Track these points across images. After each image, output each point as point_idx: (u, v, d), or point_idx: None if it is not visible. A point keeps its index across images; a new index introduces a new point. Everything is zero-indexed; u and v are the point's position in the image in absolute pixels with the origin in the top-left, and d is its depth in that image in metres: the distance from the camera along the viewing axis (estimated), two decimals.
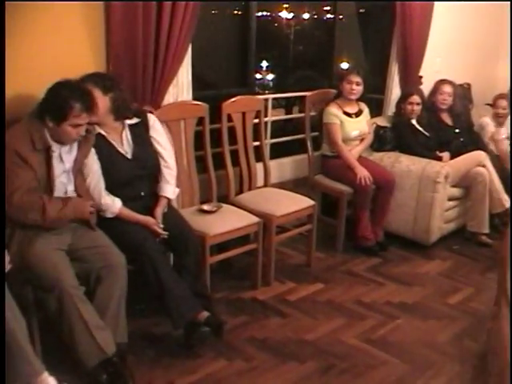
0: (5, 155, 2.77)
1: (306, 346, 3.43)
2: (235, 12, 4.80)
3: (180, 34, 3.60)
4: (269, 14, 6.18)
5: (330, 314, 3.79)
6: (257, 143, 4.47)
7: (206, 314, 3.25)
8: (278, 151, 5.10)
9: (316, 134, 4.93)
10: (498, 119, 5.70)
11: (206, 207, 3.85)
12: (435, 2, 5.46)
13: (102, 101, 3.15)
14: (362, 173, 4.53)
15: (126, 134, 3.33)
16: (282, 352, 3.35)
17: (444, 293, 4.19)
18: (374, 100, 5.48)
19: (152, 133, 3.44)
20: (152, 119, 3.46)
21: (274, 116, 5.13)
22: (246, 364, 3.21)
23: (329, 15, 6.01)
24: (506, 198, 5.26)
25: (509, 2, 5.85)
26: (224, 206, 3.94)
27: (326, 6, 5.64)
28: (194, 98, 4.00)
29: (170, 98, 3.79)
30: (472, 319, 3.86)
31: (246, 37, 4.68)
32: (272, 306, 3.85)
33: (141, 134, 3.38)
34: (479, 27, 6.22)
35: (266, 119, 4.77)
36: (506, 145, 5.55)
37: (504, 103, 5.63)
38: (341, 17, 5.98)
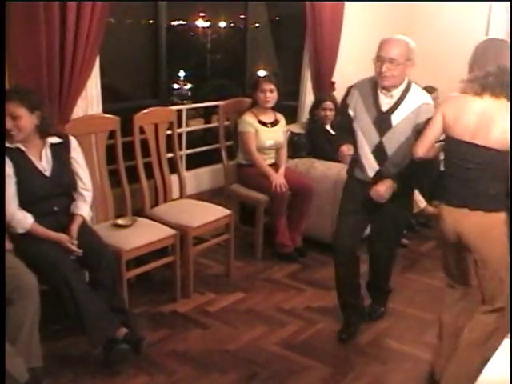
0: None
1: (228, 356, 3.41)
2: (150, 21, 4.73)
3: (87, 44, 3.50)
4: (185, 23, 6.13)
5: (251, 323, 3.79)
6: (172, 155, 4.43)
7: (124, 330, 3.20)
8: (197, 161, 5.07)
9: (231, 143, 4.93)
10: None
11: (120, 221, 3.79)
12: (345, 10, 5.57)
13: (29, 120, 3.12)
14: (277, 180, 4.56)
15: (46, 152, 3.28)
16: (204, 364, 3.32)
17: (363, 294, 4.24)
18: (288, 107, 5.52)
19: (73, 154, 3.41)
20: (74, 141, 3.44)
21: (192, 126, 5.10)
22: (168, 378, 3.17)
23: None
24: (421, 199, 5.39)
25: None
26: (139, 219, 3.88)
27: (242, 14, 5.64)
28: (106, 111, 3.92)
29: (79, 111, 3.69)
30: (392, 319, 3.96)
31: (157, 47, 4.63)
32: (192, 318, 3.82)
33: (61, 153, 3.34)
34: (389, 34, 6.38)
35: (180, 130, 4.73)
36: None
37: None
38: (257, 25, 6.01)
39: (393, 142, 3.41)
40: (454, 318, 3.16)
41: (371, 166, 3.50)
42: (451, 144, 2.90)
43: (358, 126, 3.51)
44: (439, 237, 3.20)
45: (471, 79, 2.85)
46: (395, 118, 3.39)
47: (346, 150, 3.56)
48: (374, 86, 3.45)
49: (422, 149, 3.01)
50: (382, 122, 3.41)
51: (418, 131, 3.22)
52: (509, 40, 5.33)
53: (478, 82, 2.80)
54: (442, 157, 5.22)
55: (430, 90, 6.29)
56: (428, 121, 3.11)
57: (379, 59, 3.29)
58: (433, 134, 2.97)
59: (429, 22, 6.61)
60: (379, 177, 3.46)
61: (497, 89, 2.75)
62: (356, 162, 3.58)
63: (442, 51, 6.34)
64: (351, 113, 3.54)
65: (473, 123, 2.78)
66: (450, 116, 2.86)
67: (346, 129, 3.63)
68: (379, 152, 3.46)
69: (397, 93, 3.37)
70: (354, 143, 3.55)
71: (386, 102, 3.40)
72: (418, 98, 3.38)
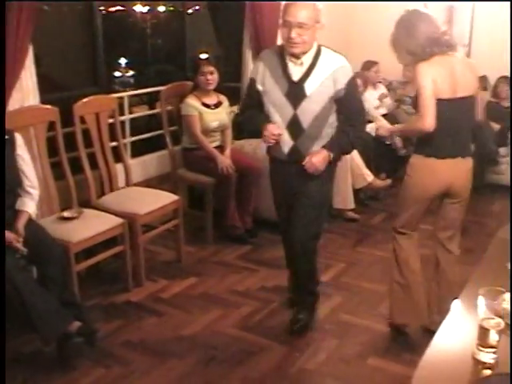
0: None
1: (185, 342, 3.40)
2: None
3: (17, 32, 3.37)
4: (123, 8, 6.00)
5: (206, 307, 3.79)
6: (116, 143, 4.36)
7: (77, 324, 3.14)
8: (143, 149, 5.01)
9: (176, 128, 4.88)
10: None
11: (66, 214, 3.71)
12: None
13: None
14: (223, 163, 4.54)
15: None
16: (161, 351, 3.30)
17: None
18: (231, 88, 5.49)
19: (19, 151, 3.31)
20: (19, 138, 3.34)
21: (136, 113, 5.03)
22: (125, 369, 3.14)
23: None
24: (367, 172, 5.46)
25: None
26: (85, 210, 3.81)
27: None
28: (44, 102, 3.81)
29: (14, 103, 3.57)
30: (346, 293, 4.00)
31: (93, 33, 4.52)
32: (146, 307, 3.79)
33: (8, 151, 3.22)
34: (332, 9, 6.41)
35: (123, 118, 4.66)
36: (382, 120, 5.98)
37: (358, 81, 5.83)
38: (196, 8, 5.95)
39: (308, 114, 3.20)
40: (418, 260, 3.44)
41: (286, 142, 3.30)
42: (441, 105, 3.02)
43: (268, 101, 3.28)
44: (409, 195, 3.32)
45: (424, 45, 3.06)
46: (309, 87, 3.16)
47: (275, 129, 3.20)
48: (281, 55, 3.22)
49: (432, 119, 2.98)
50: (295, 92, 3.18)
51: (342, 99, 3.15)
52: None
53: (434, 46, 3.06)
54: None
55: (369, 64, 6.39)
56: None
57: (286, 24, 3.06)
58: (432, 101, 2.99)
59: None
60: (296, 154, 3.28)
61: (448, 47, 3.10)
62: None
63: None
64: (260, 88, 3.29)
65: (451, 80, 3.03)
66: (436, 80, 3.00)
67: (255, 107, 3.36)
68: (294, 126, 3.25)
69: (307, 59, 3.15)
70: (267, 120, 3.28)
71: (296, 71, 3.17)
72: (331, 62, 3.16)
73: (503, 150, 6.26)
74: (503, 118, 6.33)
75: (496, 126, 6.33)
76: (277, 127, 3.21)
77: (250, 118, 3.47)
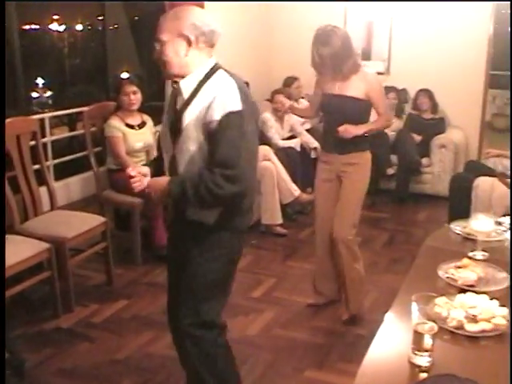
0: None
1: (118, 366, 3.33)
2: None
3: None
4: (38, 26, 5.86)
5: (138, 329, 3.72)
6: (38, 166, 4.24)
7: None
8: (66, 171, 4.89)
9: (100, 149, 4.80)
10: (277, 113, 5.97)
11: None
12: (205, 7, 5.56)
13: None
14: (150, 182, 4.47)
15: None
16: (95, 377, 3.23)
17: (247, 287, 4.28)
18: (155, 107, 5.45)
19: None
20: None
21: (56, 134, 4.92)
22: None
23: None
24: (294, 187, 5.53)
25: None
26: (9, 236, 3.68)
27: (99, 16, 5.47)
28: None
29: None
30: (278, 308, 4.01)
31: (11, 53, 4.40)
32: (77, 332, 3.69)
33: None
34: (252, 28, 6.50)
35: (45, 139, 4.55)
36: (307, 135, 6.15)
37: (281, 98, 5.90)
38: (116, 26, 5.88)
39: (183, 152, 2.44)
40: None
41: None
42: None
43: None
44: (362, 193, 3.78)
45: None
46: (187, 118, 2.40)
47: (131, 170, 2.47)
48: None
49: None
50: (175, 125, 2.46)
51: (211, 136, 2.32)
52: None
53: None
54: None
55: (291, 80, 6.49)
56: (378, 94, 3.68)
57: None
58: None
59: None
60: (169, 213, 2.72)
61: None
62: None
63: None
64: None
65: None
66: None
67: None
68: (172, 170, 2.51)
69: (187, 84, 2.41)
70: None
71: (180, 98, 2.44)
72: (212, 90, 2.37)
73: (425, 161, 6.45)
74: (424, 130, 6.55)
75: (418, 138, 6.53)
76: (133, 168, 2.50)
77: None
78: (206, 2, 5.59)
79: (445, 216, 5.11)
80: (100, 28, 5.61)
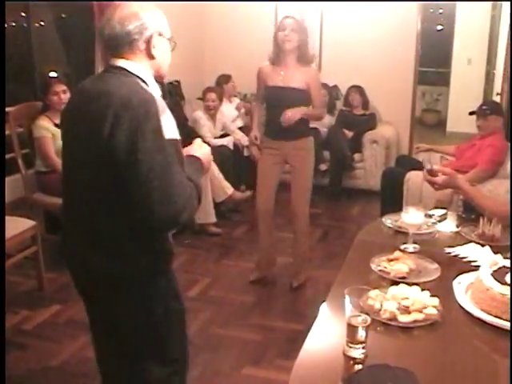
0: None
1: (52, 373, 3.27)
2: None
3: None
4: None
5: (73, 334, 3.64)
6: None
7: None
8: None
9: (27, 150, 4.67)
10: (209, 111, 5.95)
11: None
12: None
13: None
14: None
15: None
16: None
17: (183, 287, 4.15)
18: None
19: None
20: None
21: None
22: None
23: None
24: (227, 185, 5.51)
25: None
26: None
27: (23, 12, 5.31)
28: None
29: None
30: (214, 307, 4.00)
31: None
32: (8, 340, 3.54)
33: None
34: (183, 26, 6.46)
35: None
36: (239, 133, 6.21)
37: (213, 96, 5.89)
38: (42, 23, 5.72)
39: None
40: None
41: None
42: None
43: None
44: (311, 174, 4.27)
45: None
46: None
47: None
48: None
49: None
50: None
51: None
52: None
53: None
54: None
55: (224, 78, 6.48)
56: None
57: None
58: None
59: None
60: None
61: None
62: None
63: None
64: None
65: None
66: None
67: None
68: None
69: None
70: None
71: None
72: None
73: (357, 156, 6.55)
74: (356, 125, 6.65)
75: (349, 133, 6.62)
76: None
77: None
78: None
79: (378, 210, 5.21)
80: (25, 25, 5.46)
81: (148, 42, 2.02)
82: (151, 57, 2.04)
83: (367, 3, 6.81)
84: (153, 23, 2.03)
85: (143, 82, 2.00)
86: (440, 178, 2.65)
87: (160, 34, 2.06)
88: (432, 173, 2.69)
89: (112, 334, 2.15)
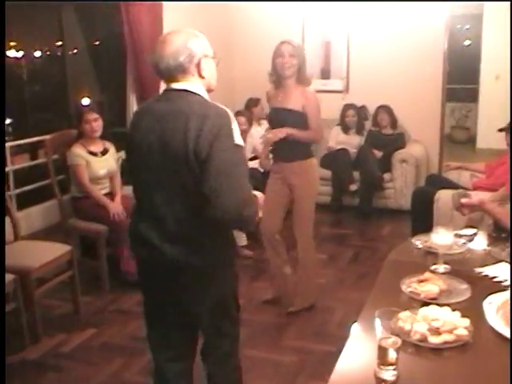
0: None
1: None
2: None
3: None
4: None
5: (108, 357, 3.69)
6: None
7: None
8: (28, 200, 4.84)
9: (63, 177, 4.78)
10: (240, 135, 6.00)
11: None
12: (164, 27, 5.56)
13: None
14: (114, 209, 4.52)
15: None
16: None
17: None
18: (117, 134, 5.44)
19: None
20: None
21: (18, 163, 4.88)
22: None
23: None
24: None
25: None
26: None
27: (58, 41, 5.44)
28: None
29: None
30: (246, 328, 3.96)
31: None
32: (45, 363, 3.65)
33: None
34: (213, 49, 6.57)
35: (7, 169, 4.52)
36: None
37: (242, 119, 5.95)
38: (75, 51, 5.86)
39: None
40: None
41: None
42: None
43: None
44: (314, 199, 4.22)
45: None
46: None
47: None
48: None
49: None
50: None
51: None
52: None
53: None
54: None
55: (253, 102, 6.54)
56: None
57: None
58: None
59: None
60: None
61: None
62: None
63: None
64: None
65: None
66: None
67: None
68: None
69: None
70: None
71: None
72: None
73: (387, 176, 6.55)
74: (385, 145, 6.66)
75: (379, 153, 6.63)
76: None
77: None
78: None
79: (409, 230, 5.19)
80: (59, 54, 5.59)
81: (198, 66, 2.36)
82: (202, 77, 2.39)
83: (393, 23, 6.83)
84: (198, 49, 2.36)
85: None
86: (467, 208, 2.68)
87: (206, 56, 2.39)
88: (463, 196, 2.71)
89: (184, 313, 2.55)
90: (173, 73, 2.34)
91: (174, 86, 2.36)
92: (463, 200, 2.83)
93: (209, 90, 2.46)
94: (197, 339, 2.72)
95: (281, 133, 3.97)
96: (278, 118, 4.08)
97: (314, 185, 4.23)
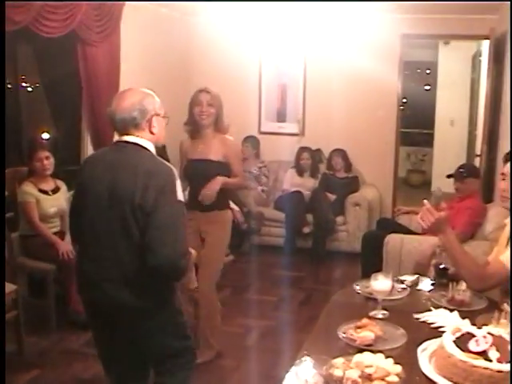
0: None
1: None
2: None
3: None
4: None
5: None
6: None
7: None
8: None
9: (12, 214, 4.73)
10: None
11: None
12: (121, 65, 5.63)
13: None
14: (64, 248, 4.48)
15: None
16: None
17: None
18: (70, 172, 5.39)
19: None
20: None
21: None
22: None
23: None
24: None
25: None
26: None
27: (12, 75, 5.40)
28: None
29: None
30: None
31: None
32: None
33: None
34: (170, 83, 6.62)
35: None
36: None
37: None
38: (31, 87, 5.83)
39: None
40: None
41: None
42: None
43: None
44: (224, 248, 4.25)
45: None
46: None
47: None
48: None
49: None
50: None
51: None
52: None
53: None
54: None
55: None
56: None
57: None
58: None
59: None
60: None
61: None
62: None
63: None
64: None
65: None
66: None
67: None
68: None
69: None
70: None
71: None
72: None
73: (340, 219, 6.62)
74: (338, 189, 6.75)
75: (332, 197, 6.71)
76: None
77: None
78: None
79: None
80: (11, 88, 5.55)
81: (149, 122, 2.60)
82: (152, 133, 2.63)
83: (349, 67, 6.91)
84: (151, 107, 2.61)
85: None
86: (433, 218, 2.67)
87: (157, 115, 2.63)
88: (436, 207, 2.73)
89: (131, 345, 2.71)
90: (126, 126, 2.57)
91: (126, 138, 2.59)
92: (443, 204, 2.88)
93: (156, 146, 2.68)
94: (147, 376, 2.86)
95: (217, 184, 3.89)
96: (198, 170, 3.96)
97: (227, 237, 4.17)
